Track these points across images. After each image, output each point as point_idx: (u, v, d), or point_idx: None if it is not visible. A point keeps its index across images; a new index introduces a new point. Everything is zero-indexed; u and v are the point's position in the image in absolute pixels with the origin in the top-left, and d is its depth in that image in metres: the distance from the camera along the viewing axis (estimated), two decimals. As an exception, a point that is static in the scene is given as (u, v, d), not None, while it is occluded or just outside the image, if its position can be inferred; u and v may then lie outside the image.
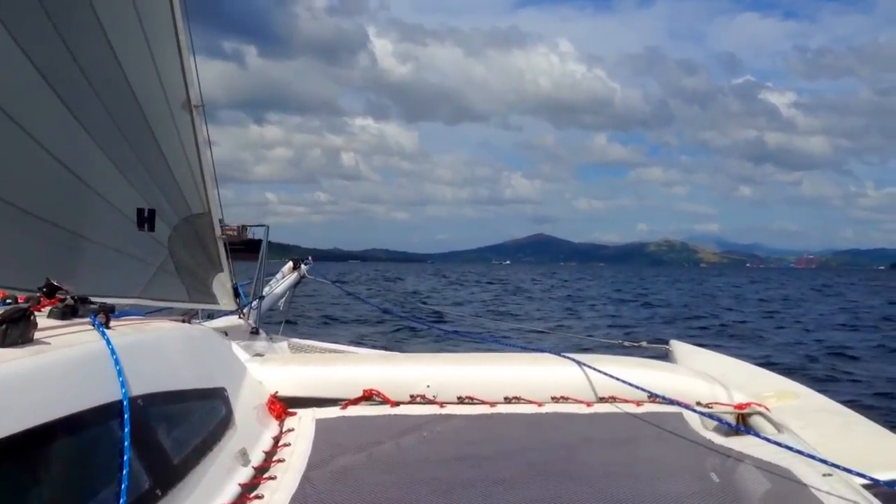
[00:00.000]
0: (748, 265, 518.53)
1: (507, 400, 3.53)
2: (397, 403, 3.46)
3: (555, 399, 3.53)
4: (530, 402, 3.50)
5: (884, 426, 3.69)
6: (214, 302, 4.42)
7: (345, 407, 3.43)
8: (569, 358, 3.74)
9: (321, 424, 3.26)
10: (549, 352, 4.01)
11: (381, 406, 3.46)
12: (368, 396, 3.50)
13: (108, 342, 2.22)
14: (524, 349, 4.70)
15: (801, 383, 4.49)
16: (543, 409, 3.45)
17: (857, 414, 3.95)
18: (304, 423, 3.28)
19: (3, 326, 1.95)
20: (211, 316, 4.73)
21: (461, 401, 3.52)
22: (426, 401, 3.51)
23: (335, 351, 5.45)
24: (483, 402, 3.51)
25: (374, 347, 8.20)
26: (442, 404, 3.48)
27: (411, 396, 3.52)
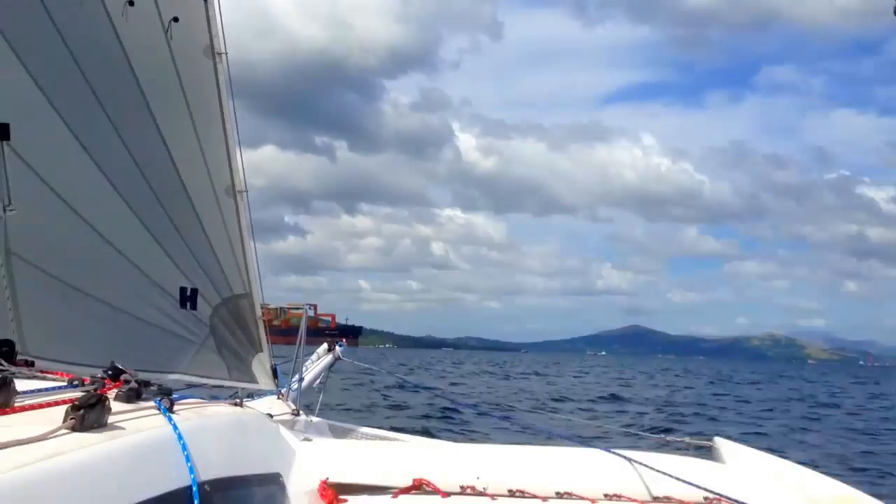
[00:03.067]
0: (861, 363, 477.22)
1: (559, 495, 3.47)
2: (448, 494, 3.40)
3: (608, 496, 3.45)
4: (582, 498, 3.42)
5: None
6: (254, 381, 4.55)
7: (396, 496, 3.37)
8: (621, 455, 3.72)
9: None
10: (601, 447, 3.99)
11: (432, 496, 3.40)
12: (418, 486, 3.45)
13: (175, 427, 2.21)
14: (579, 441, 4.65)
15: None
16: None
17: None
18: None
19: (82, 411, 1.93)
20: (251, 396, 4.77)
21: (512, 494, 3.47)
22: (476, 493, 3.45)
23: (379, 437, 5.31)
24: (535, 497, 3.44)
25: (415, 434, 7.57)
26: (493, 496, 3.42)
27: (461, 487, 3.47)
